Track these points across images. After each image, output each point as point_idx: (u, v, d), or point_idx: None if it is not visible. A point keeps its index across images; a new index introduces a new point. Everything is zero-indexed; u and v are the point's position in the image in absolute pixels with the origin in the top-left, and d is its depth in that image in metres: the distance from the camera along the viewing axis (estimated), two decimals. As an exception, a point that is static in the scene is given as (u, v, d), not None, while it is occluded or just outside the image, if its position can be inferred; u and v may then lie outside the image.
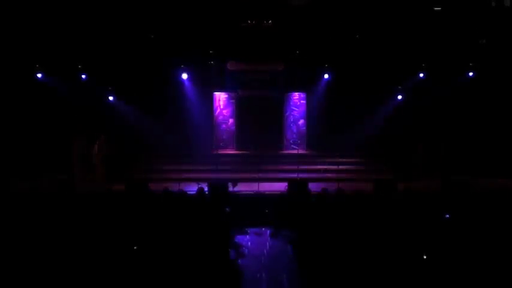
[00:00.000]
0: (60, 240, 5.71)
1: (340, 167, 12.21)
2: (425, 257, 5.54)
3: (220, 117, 13.76)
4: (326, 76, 12.89)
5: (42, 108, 12.29)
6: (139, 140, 12.60)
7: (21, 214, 6.67)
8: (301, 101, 13.90)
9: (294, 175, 11.29)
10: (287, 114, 13.89)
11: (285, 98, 13.92)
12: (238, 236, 8.59)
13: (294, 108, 13.84)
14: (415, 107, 12.68)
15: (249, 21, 11.37)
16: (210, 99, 13.78)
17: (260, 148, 12.46)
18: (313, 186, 9.51)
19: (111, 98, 13.23)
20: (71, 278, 5.13)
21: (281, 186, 9.89)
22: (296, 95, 13.91)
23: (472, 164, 11.07)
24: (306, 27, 11.36)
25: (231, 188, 10.26)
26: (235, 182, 10.82)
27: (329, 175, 11.75)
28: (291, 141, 13.71)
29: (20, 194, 8.44)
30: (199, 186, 9.25)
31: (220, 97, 13.87)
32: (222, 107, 13.83)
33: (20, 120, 12.08)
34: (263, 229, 9.06)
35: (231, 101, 13.88)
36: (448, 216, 6.83)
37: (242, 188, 10.67)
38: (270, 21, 11.37)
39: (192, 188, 9.59)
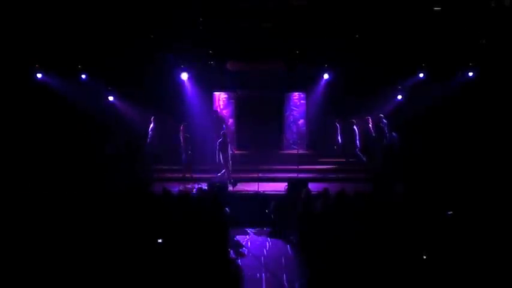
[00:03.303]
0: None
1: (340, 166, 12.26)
2: (425, 257, 5.55)
3: (220, 117, 13.74)
4: (326, 76, 12.86)
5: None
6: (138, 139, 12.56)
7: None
8: (301, 101, 13.89)
9: (294, 175, 11.29)
10: (287, 114, 13.88)
11: (285, 98, 13.90)
12: (238, 236, 8.60)
13: (294, 108, 13.83)
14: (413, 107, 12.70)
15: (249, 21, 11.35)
16: (210, 99, 13.77)
17: (260, 148, 12.45)
18: (313, 186, 9.51)
19: (111, 98, 13.25)
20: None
21: (281, 186, 9.90)
22: (296, 95, 13.90)
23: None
24: (306, 27, 11.33)
25: (231, 188, 10.27)
26: (235, 182, 10.84)
27: (328, 175, 11.75)
28: (290, 141, 13.70)
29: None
30: (199, 186, 9.26)
31: (220, 97, 13.86)
32: (221, 107, 13.82)
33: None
34: (263, 229, 9.07)
35: (231, 101, 13.87)
36: (449, 213, 6.84)
37: (242, 188, 10.69)
38: (269, 22, 11.35)
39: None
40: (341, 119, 12.88)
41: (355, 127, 12.52)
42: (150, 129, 12.48)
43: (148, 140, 12.39)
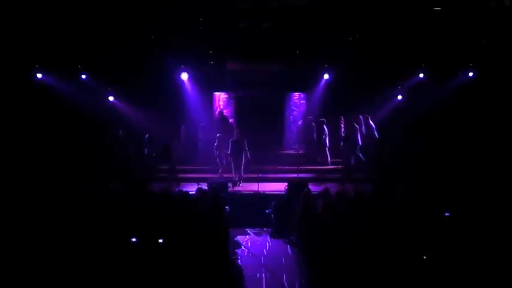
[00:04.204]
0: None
1: (340, 166, 12.25)
2: (425, 257, 5.55)
3: (220, 118, 13.73)
4: (326, 76, 12.86)
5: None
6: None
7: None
8: (301, 101, 13.90)
9: (294, 175, 11.29)
10: (287, 114, 13.87)
11: (285, 98, 13.90)
12: (238, 236, 8.60)
13: (294, 108, 13.83)
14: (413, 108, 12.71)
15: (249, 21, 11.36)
16: (210, 99, 13.77)
17: (260, 148, 12.45)
18: (313, 187, 9.51)
19: (111, 98, 13.25)
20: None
21: (281, 186, 9.90)
22: (296, 95, 13.90)
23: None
24: (306, 27, 11.34)
25: (231, 188, 10.27)
26: (235, 182, 10.84)
27: (328, 175, 11.75)
28: (291, 141, 13.71)
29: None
30: (199, 186, 9.26)
31: (220, 97, 13.86)
32: (222, 107, 13.82)
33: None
34: (263, 229, 9.07)
35: (231, 101, 13.87)
36: (447, 214, 6.84)
37: (242, 188, 10.69)
38: (269, 22, 11.36)
39: (192, 188, 9.60)
40: (315, 119, 12.91)
41: (324, 126, 12.51)
42: (182, 131, 12.70)
43: (180, 141, 12.50)
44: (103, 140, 12.31)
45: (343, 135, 12.39)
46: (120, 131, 12.30)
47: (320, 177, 11.40)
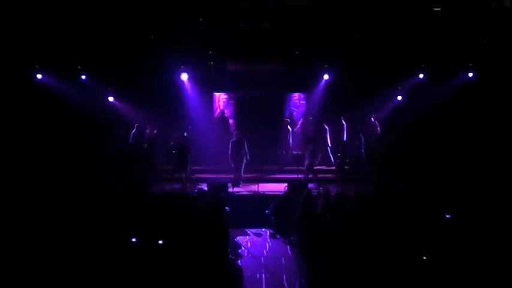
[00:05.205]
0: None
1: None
2: (425, 257, 5.55)
3: (220, 118, 13.71)
4: (326, 76, 12.84)
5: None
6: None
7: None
8: (301, 101, 13.89)
9: (294, 176, 11.28)
10: (287, 114, 13.86)
11: (285, 98, 13.89)
12: (238, 237, 8.60)
13: (294, 108, 13.81)
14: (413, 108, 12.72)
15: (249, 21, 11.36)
16: (210, 100, 13.76)
17: (260, 149, 12.43)
18: (313, 187, 9.52)
19: (111, 98, 13.25)
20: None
21: (281, 187, 9.90)
22: (296, 95, 13.89)
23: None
24: (305, 27, 11.34)
25: (231, 188, 10.27)
26: (235, 182, 10.84)
27: (328, 175, 11.74)
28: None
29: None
30: (199, 186, 9.26)
31: (220, 97, 13.86)
32: (222, 107, 13.81)
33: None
34: (263, 229, 9.07)
35: (231, 101, 13.86)
36: (448, 216, 6.84)
37: (242, 188, 10.68)
38: (269, 22, 11.36)
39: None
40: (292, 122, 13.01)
41: (289, 127, 12.50)
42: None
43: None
44: (104, 140, 12.29)
45: (311, 135, 12.34)
46: (122, 131, 12.24)
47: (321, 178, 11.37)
